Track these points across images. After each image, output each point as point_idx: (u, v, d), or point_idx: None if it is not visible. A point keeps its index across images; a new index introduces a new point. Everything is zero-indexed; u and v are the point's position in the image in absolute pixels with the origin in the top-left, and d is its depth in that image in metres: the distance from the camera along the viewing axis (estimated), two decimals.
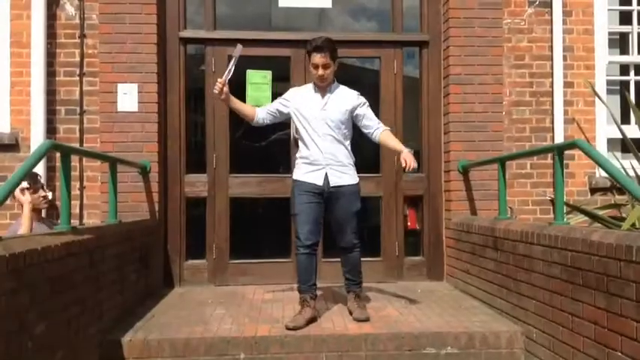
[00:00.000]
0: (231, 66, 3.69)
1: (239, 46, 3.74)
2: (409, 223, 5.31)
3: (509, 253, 3.60)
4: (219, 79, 3.70)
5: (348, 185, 3.70)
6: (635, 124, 4.38)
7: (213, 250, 5.02)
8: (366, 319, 3.58)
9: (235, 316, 3.85)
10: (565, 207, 4.53)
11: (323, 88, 3.71)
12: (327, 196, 3.67)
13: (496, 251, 3.82)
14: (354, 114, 3.75)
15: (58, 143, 3.51)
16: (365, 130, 3.81)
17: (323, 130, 3.65)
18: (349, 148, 3.77)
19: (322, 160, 3.66)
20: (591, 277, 2.67)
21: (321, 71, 3.61)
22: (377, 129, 3.78)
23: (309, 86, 3.82)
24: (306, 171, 3.70)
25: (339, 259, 3.96)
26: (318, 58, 3.59)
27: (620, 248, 2.44)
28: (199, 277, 5.00)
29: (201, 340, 3.34)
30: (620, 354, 2.47)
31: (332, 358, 3.35)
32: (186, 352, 3.31)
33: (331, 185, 3.65)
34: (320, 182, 3.65)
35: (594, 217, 4.25)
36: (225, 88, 3.69)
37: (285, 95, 3.86)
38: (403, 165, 3.50)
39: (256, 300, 4.36)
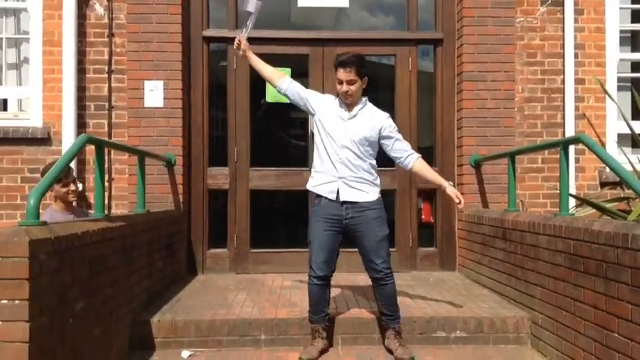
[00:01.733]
0: (250, 23, 3.63)
1: (255, 1, 3.65)
2: (424, 216, 5.49)
3: (518, 243, 3.77)
4: (238, 35, 3.68)
5: (365, 203, 3.38)
6: (634, 120, 4.50)
7: (234, 239, 5.24)
8: (411, 359, 3.26)
9: (256, 300, 4.07)
10: (575, 200, 4.75)
11: (349, 104, 3.44)
12: (346, 223, 3.37)
13: (505, 242, 3.99)
14: (382, 137, 3.44)
15: (94, 137, 3.73)
16: (395, 155, 3.49)
17: (343, 142, 3.36)
18: (373, 165, 3.47)
19: (336, 173, 3.38)
20: (592, 264, 2.84)
21: (345, 87, 3.36)
22: (410, 155, 3.47)
23: (337, 99, 3.52)
24: (319, 182, 3.45)
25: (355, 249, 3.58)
26: (342, 73, 3.36)
27: (617, 236, 2.61)
28: (221, 265, 5.23)
29: (225, 322, 3.57)
30: (617, 335, 2.64)
31: (347, 340, 3.56)
32: (210, 332, 3.54)
33: (342, 200, 3.36)
34: (332, 196, 3.37)
35: (602, 210, 4.40)
36: (244, 43, 3.63)
37: (315, 96, 3.57)
38: (456, 202, 3.33)
39: (275, 287, 4.58)
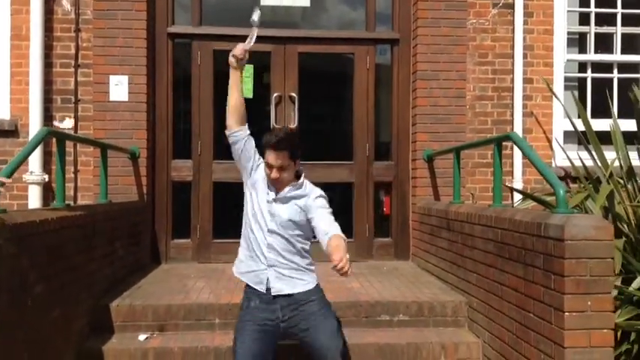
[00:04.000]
0: (254, 34, 3.26)
1: (258, 11, 3.33)
2: (385, 209, 5.75)
3: (458, 233, 4.03)
4: (240, 45, 3.17)
5: (302, 294, 2.91)
6: (579, 118, 4.79)
7: (197, 230, 5.44)
8: None
9: (214, 287, 4.27)
10: (519, 194, 5.04)
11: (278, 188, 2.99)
12: (284, 327, 2.91)
13: (449, 232, 4.25)
14: (308, 217, 2.97)
15: (55, 130, 3.91)
16: (316, 236, 2.93)
17: (270, 227, 2.94)
18: (307, 249, 3.03)
19: (264, 260, 2.94)
20: (514, 250, 3.11)
21: (274, 173, 2.90)
22: (325, 234, 2.80)
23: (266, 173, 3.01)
24: (247, 269, 3.03)
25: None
26: (272, 157, 2.88)
27: (533, 225, 2.87)
28: (184, 255, 5.43)
29: (181, 307, 3.78)
30: (532, 315, 2.91)
31: None
32: (167, 316, 3.74)
33: (273, 294, 2.90)
34: (261, 287, 2.93)
35: (543, 203, 4.66)
36: (244, 56, 3.16)
37: (258, 159, 3.11)
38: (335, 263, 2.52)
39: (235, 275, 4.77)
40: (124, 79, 5.12)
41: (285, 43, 5.49)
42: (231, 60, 3.14)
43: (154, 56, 5.35)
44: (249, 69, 5.40)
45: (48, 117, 5.19)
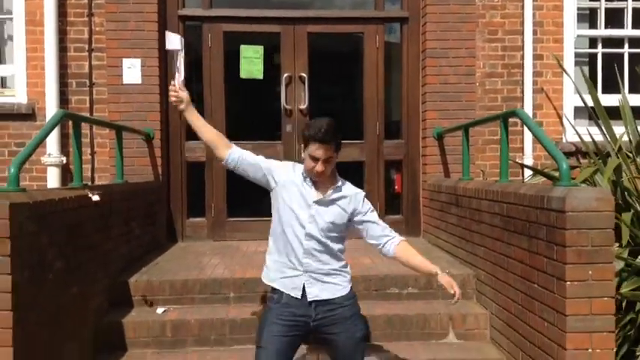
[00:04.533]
0: (179, 63, 2.96)
1: (171, 36, 3.00)
2: (396, 187, 5.82)
3: (467, 208, 4.09)
4: (171, 85, 2.92)
5: (338, 299, 2.77)
6: (589, 94, 4.80)
7: (212, 209, 5.56)
8: None
9: (228, 264, 4.39)
10: (529, 170, 5.08)
11: (317, 182, 2.79)
12: (315, 325, 2.75)
13: (458, 207, 4.32)
14: (354, 221, 2.86)
15: (70, 112, 4.02)
16: (371, 242, 2.89)
17: (309, 230, 2.74)
18: (342, 250, 2.87)
19: (300, 266, 2.75)
20: (519, 223, 3.17)
21: (320, 166, 2.68)
22: (390, 239, 2.86)
23: (300, 170, 2.82)
24: (278, 275, 2.80)
25: None
26: (320, 149, 2.66)
27: (537, 198, 2.93)
28: (200, 233, 5.56)
29: (197, 281, 3.91)
30: (536, 285, 2.98)
31: None
32: (183, 291, 3.88)
33: (310, 299, 2.73)
34: (297, 293, 2.73)
35: (551, 178, 4.70)
36: (184, 94, 2.87)
37: (276, 166, 2.86)
38: (452, 293, 2.70)
39: (249, 252, 4.91)
40: (136, 62, 5.21)
41: (294, 23, 5.53)
42: (173, 103, 2.93)
43: (165, 39, 5.41)
44: (258, 50, 5.47)
45: (64, 100, 5.30)
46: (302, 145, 2.76)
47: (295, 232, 2.74)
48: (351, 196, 2.83)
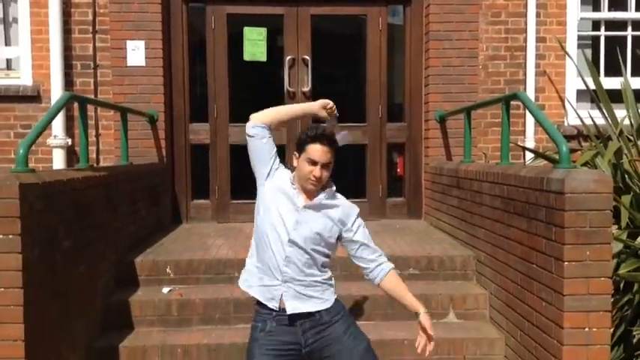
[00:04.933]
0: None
1: (339, 136, 2.63)
2: (398, 170, 5.87)
3: (467, 191, 4.14)
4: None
5: (323, 313, 2.55)
6: (591, 77, 4.82)
7: (216, 191, 5.62)
8: None
9: (232, 245, 4.46)
10: (530, 152, 5.11)
11: (308, 190, 2.56)
12: (308, 351, 2.54)
13: (459, 190, 4.37)
14: (343, 239, 2.63)
15: (77, 94, 4.06)
16: (358, 264, 2.66)
17: (292, 237, 2.51)
18: (328, 262, 2.64)
19: (279, 275, 2.52)
20: (519, 205, 3.22)
21: (318, 171, 2.49)
22: (378, 265, 2.63)
23: (289, 176, 2.61)
24: (256, 282, 2.60)
25: None
26: (319, 151, 2.49)
27: (536, 180, 2.98)
28: (204, 215, 5.62)
29: (202, 262, 3.98)
30: (535, 266, 3.03)
31: None
32: (188, 271, 3.95)
33: (288, 312, 2.50)
34: (274, 305, 2.51)
35: (552, 161, 4.74)
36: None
37: (278, 161, 2.66)
38: (430, 334, 2.54)
39: (252, 234, 4.96)
40: (140, 45, 5.23)
41: (297, 5, 5.53)
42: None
43: (169, 21, 5.44)
44: (262, 32, 5.48)
45: (68, 82, 5.34)
46: (295, 154, 2.57)
47: (279, 236, 2.52)
48: (344, 207, 2.62)
